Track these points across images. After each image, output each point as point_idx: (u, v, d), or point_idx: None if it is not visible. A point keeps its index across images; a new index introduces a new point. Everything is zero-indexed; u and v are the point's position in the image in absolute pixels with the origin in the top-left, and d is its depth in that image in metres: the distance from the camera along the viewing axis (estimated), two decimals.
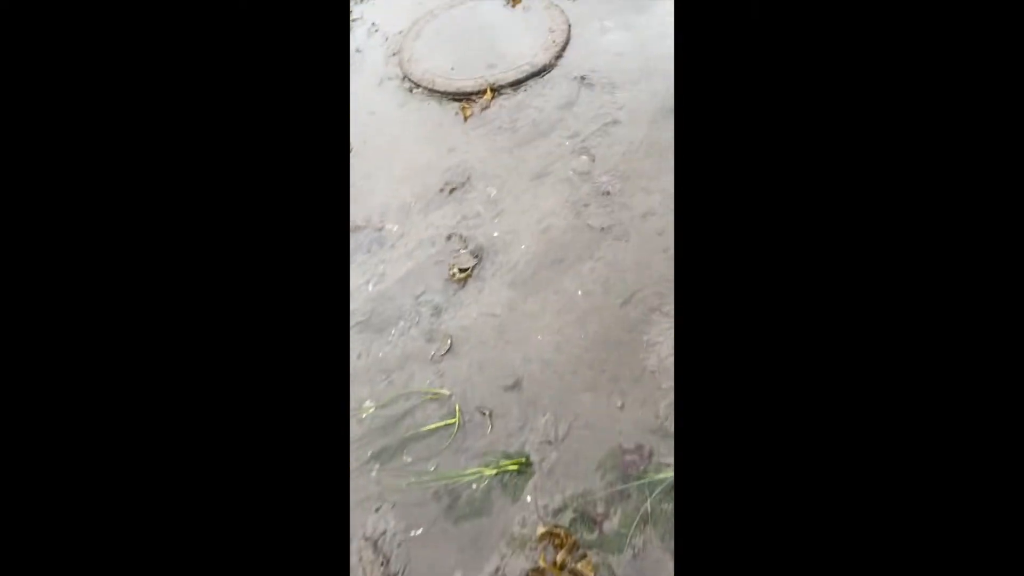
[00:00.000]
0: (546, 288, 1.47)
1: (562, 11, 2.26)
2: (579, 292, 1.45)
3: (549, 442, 1.19)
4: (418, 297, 1.50)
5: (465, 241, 1.61)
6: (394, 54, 2.27)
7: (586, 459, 1.16)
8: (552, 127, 1.88)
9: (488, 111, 1.98)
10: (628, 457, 1.14)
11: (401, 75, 2.18)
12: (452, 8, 2.37)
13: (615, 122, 1.85)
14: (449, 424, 1.25)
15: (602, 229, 1.57)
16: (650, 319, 1.36)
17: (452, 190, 1.75)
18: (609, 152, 1.77)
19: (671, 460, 1.13)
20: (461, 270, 1.52)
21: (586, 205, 1.63)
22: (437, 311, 1.46)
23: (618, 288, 1.43)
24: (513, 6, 2.31)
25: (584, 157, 1.78)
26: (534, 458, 1.17)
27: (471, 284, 1.51)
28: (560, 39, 2.13)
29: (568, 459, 1.16)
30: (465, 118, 1.96)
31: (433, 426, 1.25)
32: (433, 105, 2.06)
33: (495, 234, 1.62)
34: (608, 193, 1.65)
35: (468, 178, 1.78)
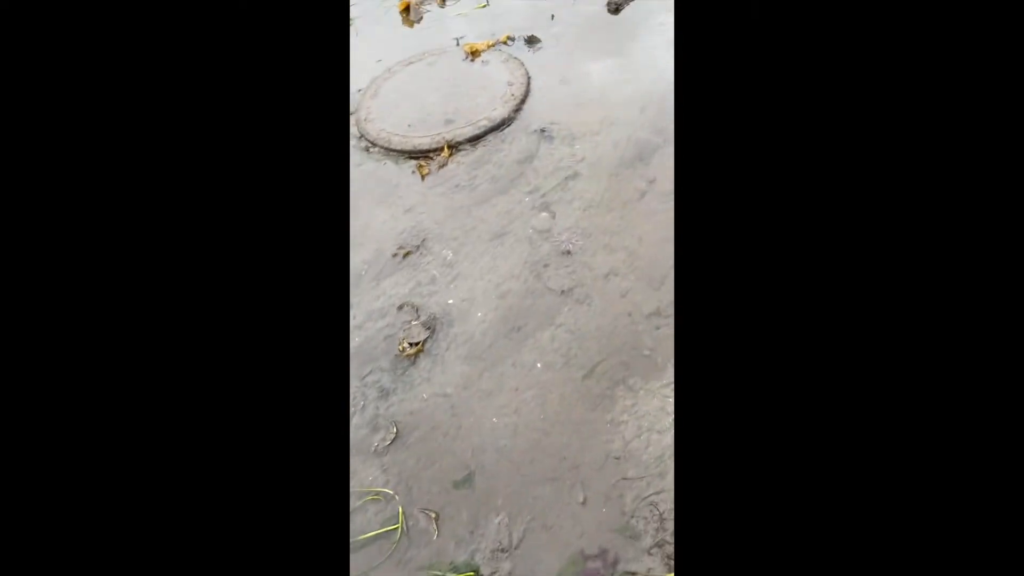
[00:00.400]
0: (503, 361, 1.36)
1: (521, 63, 2.24)
2: (538, 364, 1.33)
3: (502, 550, 1.05)
4: (364, 378, 1.38)
5: (418, 311, 1.50)
6: (352, 113, 2.24)
7: (544, 570, 1.02)
8: (511, 183, 1.81)
9: (446, 169, 1.91)
10: (591, 565, 1.00)
11: (358, 134, 2.13)
12: (410, 65, 2.35)
13: (575, 175, 1.79)
14: (391, 530, 1.11)
15: (563, 292, 1.47)
16: (614, 394, 1.25)
17: (407, 254, 1.66)
18: (570, 208, 1.69)
19: (637, 568, 0.99)
20: (412, 344, 1.41)
21: (546, 265, 1.54)
22: (384, 394, 1.34)
23: (580, 358, 1.32)
24: (472, 60, 2.29)
25: (544, 214, 1.70)
26: (484, 571, 1.03)
27: (422, 360, 1.40)
28: (519, 92, 2.09)
29: (523, 571, 1.02)
30: (422, 177, 1.90)
31: (372, 534, 1.11)
32: (390, 165, 2.00)
33: (450, 301, 1.52)
34: (569, 252, 1.56)
35: (423, 240, 1.69)
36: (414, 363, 1.39)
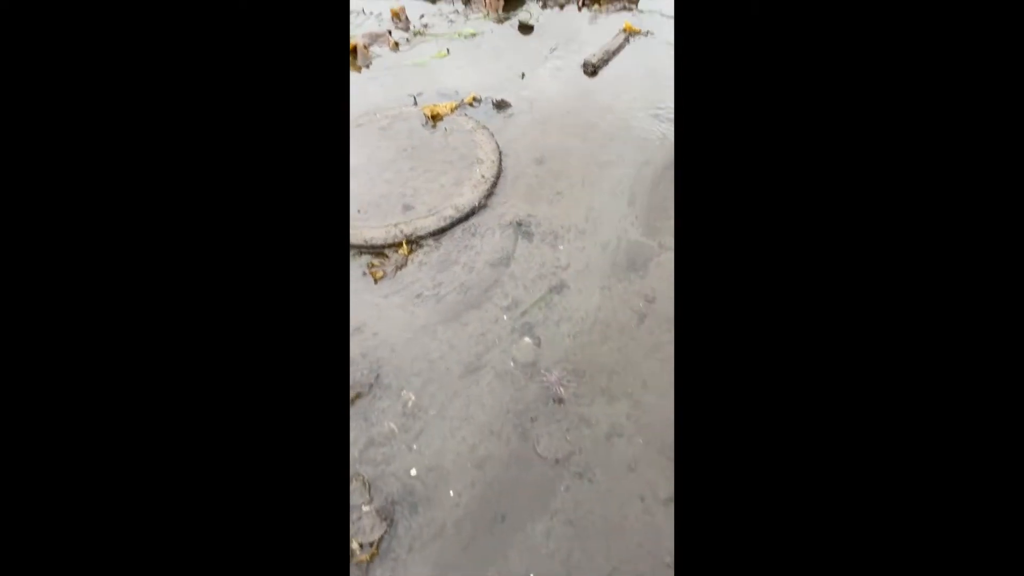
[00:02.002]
0: (486, 570, 1.06)
1: (491, 134, 1.95)
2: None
3: None
4: None
5: (370, 490, 1.17)
6: None
7: None
8: (485, 293, 1.52)
9: (404, 271, 1.59)
10: None
11: None
12: (359, 127, 2.00)
13: (561, 286, 1.52)
14: None
15: (556, 461, 1.19)
16: None
17: (356, 397, 1.32)
18: (557, 332, 1.42)
19: None
20: (363, 546, 1.08)
21: (533, 419, 1.26)
22: None
23: (584, 568, 1.05)
24: (433, 126, 1.98)
25: (527, 339, 1.42)
26: None
27: (376, 569, 1.07)
28: (490, 172, 1.81)
29: None
30: (376, 280, 1.56)
31: None
32: None
33: (413, 472, 1.19)
34: (560, 400, 1.29)
35: (377, 376, 1.36)
36: (366, 574, 1.06)
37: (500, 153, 1.87)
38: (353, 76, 2.34)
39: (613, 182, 1.79)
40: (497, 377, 1.34)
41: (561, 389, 1.30)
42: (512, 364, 1.36)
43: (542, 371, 1.34)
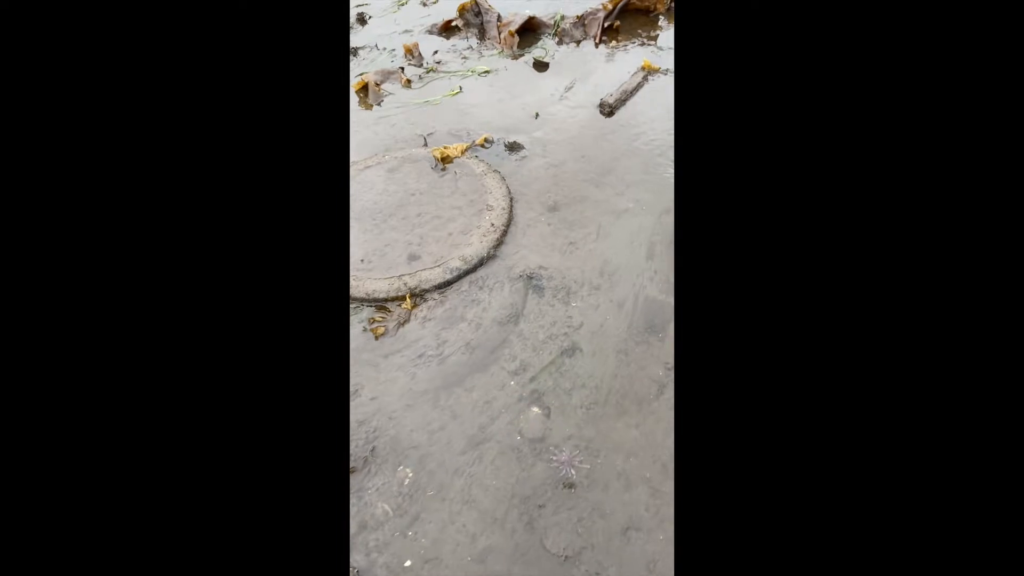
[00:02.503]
0: None
1: (502, 179, 1.88)
2: None
3: None
4: None
5: None
6: None
7: None
8: (492, 354, 1.42)
9: (407, 327, 1.50)
10: None
11: None
12: (366, 169, 1.94)
13: (574, 349, 1.42)
14: None
15: (566, 558, 1.07)
16: None
17: (351, 472, 1.22)
18: (569, 402, 1.31)
19: None
20: None
21: (541, 506, 1.15)
22: None
23: None
24: (443, 169, 1.92)
25: (536, 410, 1.31)
26: None
27: None
28: (500, 220, 1.72)
29: None
30: (376, 337, 1.48)
31: None
32: None
33: (407, 564, 1.08)
34: (572, 485, 1.17)
35: (373, 449, 1.26)
36: None
37: (511, 199, 1.79)
38: (363, 114, 2.31)
39: (631, 232, 1.69)
40: (502, 453, 1.23)
41: (572, 471, 1.18)
42: (519, 438, 1.25)
43: (551, 448, 1.22)
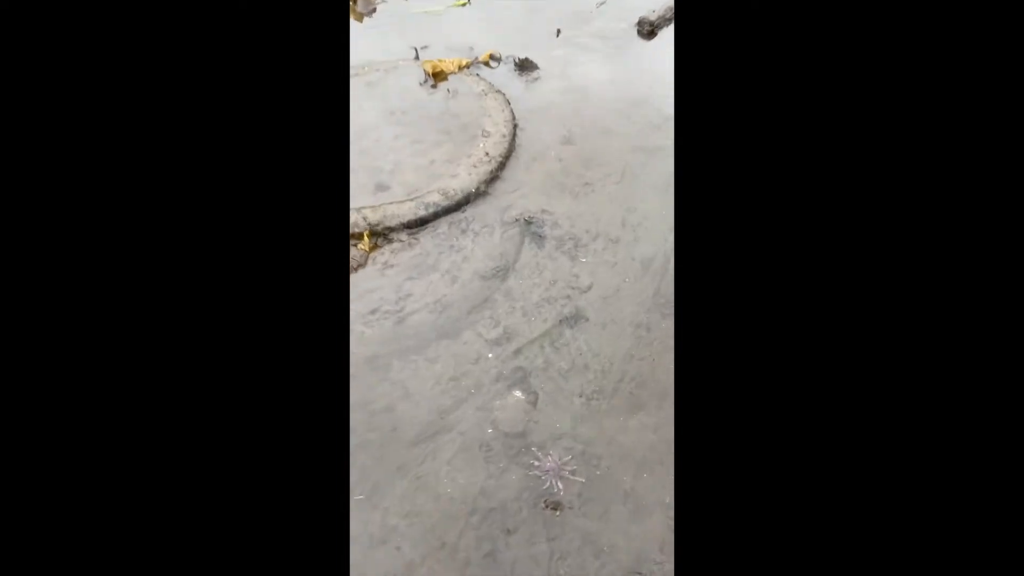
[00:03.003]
0: None
1: (506, 101, 1.49)
2: None
3: None
4: None
5: None
6: None
7: None
8: (467, 317, 1.07)
9: (363, 271, 1.16)
10: None
11: None
12: (355, 77, 1.58)
13: (577, 317, 1.06)
14: None
15: None
16: None
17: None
18: (562, 387, 0.97)
19: None
20: None
21: (510, 531, 0.81)
22: None
23: None
24: (433, 86, 1.54)
25: (517, 394, 0.97)
26: None
27: None
28: (498, 149, 1.35)
29: None
30: None
31: None
32: None
33: None
34: (557, 506, 0.83)
35: None
36: None
37: (515, 126, 1.42)
38: (352, 24, 1.93)
39: (665, 176, 1.31)
40: (465, 450, 0.90)
41: (560, 485, 0.85)
42: (491, 431, 0.92)
43: (534, 450, 0.89)
